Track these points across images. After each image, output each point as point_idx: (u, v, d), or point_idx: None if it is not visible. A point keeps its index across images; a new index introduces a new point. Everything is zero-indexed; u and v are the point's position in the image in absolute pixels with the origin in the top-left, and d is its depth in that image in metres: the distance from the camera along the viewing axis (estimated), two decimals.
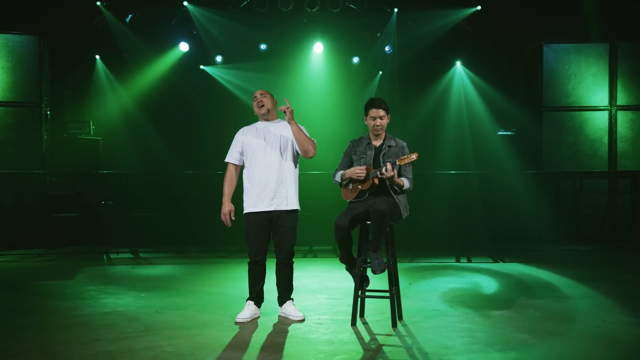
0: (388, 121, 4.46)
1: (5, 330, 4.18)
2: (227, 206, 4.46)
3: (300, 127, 4.46)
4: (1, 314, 4.72)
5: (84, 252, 8.52)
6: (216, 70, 11.28)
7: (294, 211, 4.49)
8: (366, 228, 4.33)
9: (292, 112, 4.34)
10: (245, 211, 4.47)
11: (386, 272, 4.25)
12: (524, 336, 3.94)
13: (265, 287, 4.56)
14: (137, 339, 3.92)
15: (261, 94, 4.54)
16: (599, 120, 9.76)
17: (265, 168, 4.41)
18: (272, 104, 4.56)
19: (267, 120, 4.56)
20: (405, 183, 4.35)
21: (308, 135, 4.49)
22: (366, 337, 3.98)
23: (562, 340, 3.87)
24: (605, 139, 9.72)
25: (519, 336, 3.94)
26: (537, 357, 3.51)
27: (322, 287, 5.81)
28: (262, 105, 4.51)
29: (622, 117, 9.71)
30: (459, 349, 3.68)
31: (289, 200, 4.44)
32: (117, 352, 3.62)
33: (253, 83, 10.90)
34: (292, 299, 4.58)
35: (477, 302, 5.04)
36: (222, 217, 4.46)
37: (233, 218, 4.48)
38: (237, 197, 4.55)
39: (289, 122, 4.39)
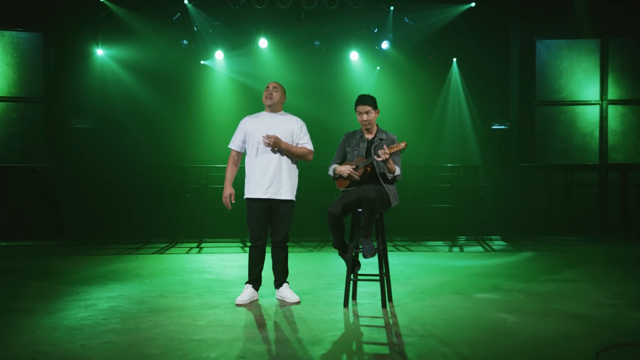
0: (377, 115, 4.73)
1: (18, 312, 4.45)
2: (227, 190, 4.79)
3: (291, 144, 4.72)
4: (13, 298, 4.98)
5: (88, 243, 8.78)
6: (216, 65, 11.51)
7: (290, 201, 4.76)
8: (358, 215, 4.59)
9: (274, 142, 4.60)
10: (245, 196, 4.78)
11: (377, 256, 4.52)
12: (504, 315, 4.21)
13: (263, 273, 4.82)
14: (143, 318, 4.19)
15: (273, 87, 4.83)
16: (591, 115, 9.98)
17: (265, 158, 4.69)
18: (281, 98, 4.84)
19: (272, 111, 4.83)
20: (397, 170, 4.60)
21: (300, 149, 4.75)
22: (357, 317, 4.25)
23: (539, 318, 4.13)
24: (597, 133, 9.94)
25: (499, 315, 4.21)
26: (513, 332, 3.77)
27: (317, 274, 6.08)
28: (271, 98, 4.79)
29: (612, 112, 9.92)
30: (442, 326, 3.94)
31: (284, 191, 4.71)
32: (124, 330, 3.89)
33: (252, 78, 11.17)
34: (288, 282, 4.84)
35: (464, 287, 5.30)
36: (223, 199, 4.78)
37: (233, 201, 4.78)
38: (238, 183, 4.80)
39: (278, 149, 4.65)
